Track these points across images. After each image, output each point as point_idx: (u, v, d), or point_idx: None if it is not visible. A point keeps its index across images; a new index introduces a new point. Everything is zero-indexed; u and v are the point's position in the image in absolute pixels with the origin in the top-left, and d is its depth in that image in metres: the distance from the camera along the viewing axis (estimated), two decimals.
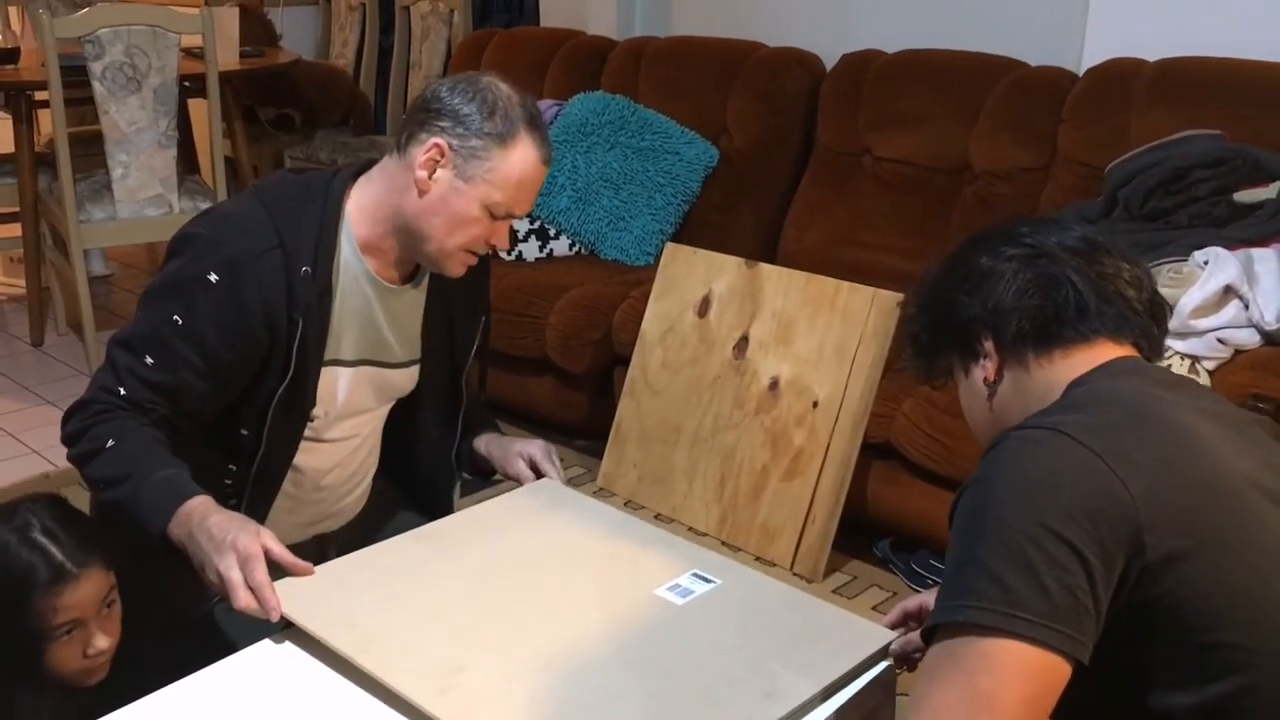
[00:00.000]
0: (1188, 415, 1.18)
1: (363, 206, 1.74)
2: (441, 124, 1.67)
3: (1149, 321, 1.29)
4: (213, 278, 1.64)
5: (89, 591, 1.47)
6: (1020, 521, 1.07)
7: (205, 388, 1.68)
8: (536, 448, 1.92)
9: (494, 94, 1.68)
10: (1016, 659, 1.04)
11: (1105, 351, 1.26)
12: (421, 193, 1.69)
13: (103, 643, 1.48)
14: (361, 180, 1.76)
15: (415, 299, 1.85)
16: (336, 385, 1.79)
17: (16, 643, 1.45)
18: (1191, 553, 1.08)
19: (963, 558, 1.09)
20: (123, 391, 1.65)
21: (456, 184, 1.68)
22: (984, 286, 1.29)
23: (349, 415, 1.85)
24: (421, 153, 1.68)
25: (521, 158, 1.68)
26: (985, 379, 1.31)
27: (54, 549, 1.46)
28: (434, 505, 2.05)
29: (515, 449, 1.93)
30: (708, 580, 1.55)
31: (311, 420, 1.79)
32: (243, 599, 1.44)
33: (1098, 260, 1.29)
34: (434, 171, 1.68)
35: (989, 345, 1.30)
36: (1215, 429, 1.18)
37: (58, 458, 3.07)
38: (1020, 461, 1.12)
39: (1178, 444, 1.14)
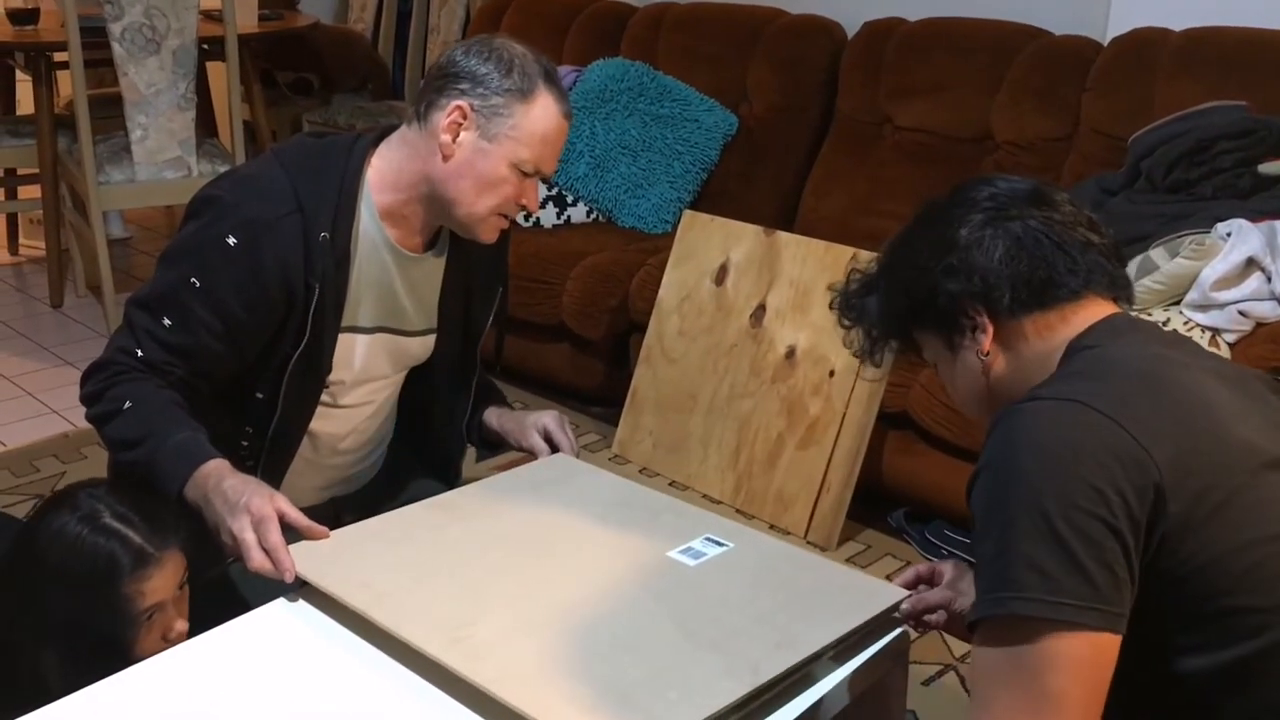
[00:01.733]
0: (1197, 375, 1.18)
1: (384, 174, 1.74)
2: (461, 86, 1.67)
3: (1116, 264, 1.28)
4: (231, 240, 1.64)
5: (170, 574, 1.46)
6: (1051, 503, 1.06)
7: (222, 349, 1.68)
8: (550, 418, 1.92)
9: (509, 52, 1.68)
10: (1075, 651, 1.04)
11: (1097, 308, 1.25)
12: (446, 157, 1.68)
13: (182, 625, 1.46)
14: (382, 147, 1.76)
15: (434, 268, 1.85)
16: (353, 352, 1.79)
17: (106, 634, 1.42)
18: (1209, 517, 1.08)
19: (998, 546, 1.08)
20: (140, 353, 1.65)
21: (481, 144, 1.67)
22: (964, 260, 1.26)
23: (365, 381, 1.85)
24: (444, 117, 1.67)
25: (543, 111, 1.67)
26: (979, 352, 1.29)
27: (132, 534, 1.44)
28: (446, 473, 2.06)
29: (529, 421, 1.93)
30: (720, 544, 1.55)
31: (327, 386, 1.79)
32: (257, 560, 1.45)
33: (1055, 209, 1.27)
34: (457, 135, 1.67)
35: (982, 318, 1.27)
36: (1224, 389, 1.17)
37: (77, 418, 3.09)
38: (1040, 437, 1.10)
39: (1192, 406, 1.13)
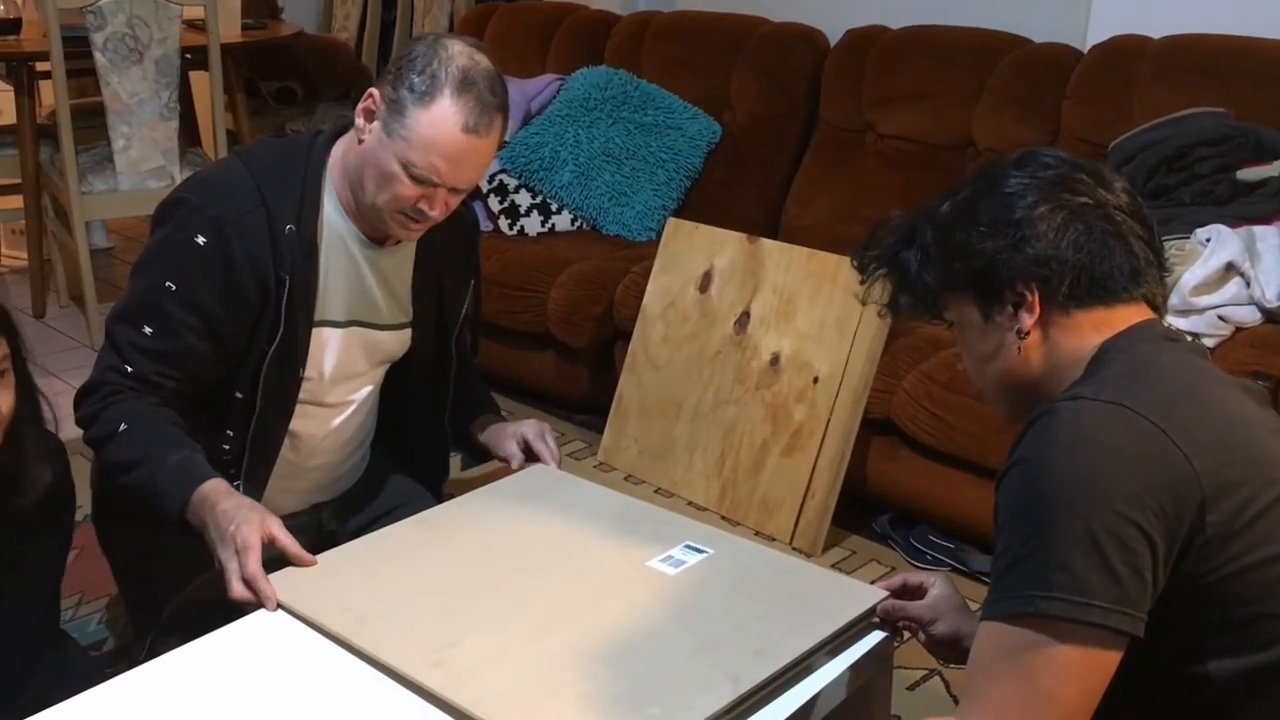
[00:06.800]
0: (1231, 390, 1.18)
1: (341, 164, 1.74)
2: (389, 74, 1.67)
3: (1160, 267, 1.25)
4: (200, 240, 1.65)
5: None
6: (1089, 505, 1.05)
7: (206, 348, 1.69)
8: (530, 428, 1.92)
9: (441, 53, 1.63)
10: (1078, 656, 1.05)
11: (1135, 312, 1.22)
12: (360, 141, 1.69)
13: (2, 406, 1.40)
14: (341, 139, 1.77)
15: (403, 258, 1.85)
16: (326, 346, 1.79)
17: None
18: (1244, 529, 1.08)
19: (1029, 544, 1.07)
20: (129, 369, 1.66)
21: (381, 136, 1.65)
22: (1031, 236, 1.21)
23: (342, 379, 1.85)
24: (363, 100, 1.68)
25: (435, 119, 1.61)
26: (1019, 330, 1.23)
27: None
28: (429, 471, 2.06)
29: (509, 430, 1.94)
30: (700, 551, 1.55)
31: (306, 380, 1.79)
32: (237, 590, 1.46)
33: (1144, 219, 1.23)
34: (371, 120, 1.67)
35: (1033, 297, 1.22)
36: (1251, 402, 1.18)
37: (60, 429, 3.07)
38: (1082, 437, 1.09)
39: (1231, 418, 1.13)
